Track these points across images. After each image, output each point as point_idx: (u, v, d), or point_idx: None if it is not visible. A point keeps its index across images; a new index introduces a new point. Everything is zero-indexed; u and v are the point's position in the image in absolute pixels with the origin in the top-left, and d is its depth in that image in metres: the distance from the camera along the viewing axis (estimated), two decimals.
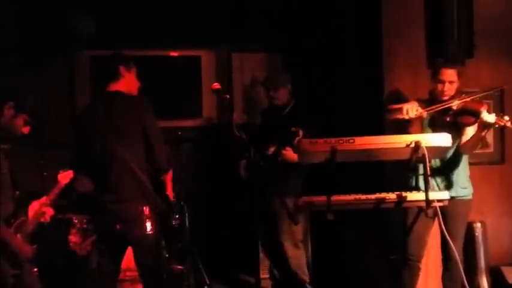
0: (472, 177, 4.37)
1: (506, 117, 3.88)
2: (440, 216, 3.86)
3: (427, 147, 3.69)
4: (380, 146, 3.75)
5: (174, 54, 6.21)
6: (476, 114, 3.94)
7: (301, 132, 4.73)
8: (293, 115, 5.09)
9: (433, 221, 4.18)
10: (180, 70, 6.18)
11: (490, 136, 4.93)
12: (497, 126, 3.92)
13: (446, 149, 3.93)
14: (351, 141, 3.71)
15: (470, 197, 4.31)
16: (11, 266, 3.52)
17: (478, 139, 4.10)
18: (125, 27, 5.77)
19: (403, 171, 4.24)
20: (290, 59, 6.09)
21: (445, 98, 4.17)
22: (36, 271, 3.80)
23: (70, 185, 4.07)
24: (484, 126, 3.96)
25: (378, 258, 4.91)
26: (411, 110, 4.11)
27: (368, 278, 4.98)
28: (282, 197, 4.95)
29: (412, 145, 3.69)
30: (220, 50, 6.24)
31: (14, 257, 3.53)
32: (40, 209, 3.81)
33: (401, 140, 3.74)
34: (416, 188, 4.17)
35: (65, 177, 4.03)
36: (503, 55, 5.08)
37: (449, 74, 4.18)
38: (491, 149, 5.01)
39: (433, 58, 4.86)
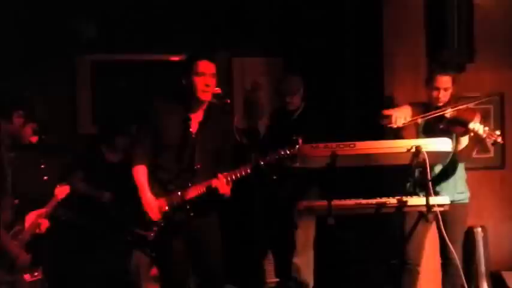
0: (473, 182, 4.37)
1: (498, 132, 3.89)
2: (441, 221, 3.86)
3: (427, 152, 3.69)
4: (380, 151, 3.74)
5: (175, 59, 6.20)
6: (466, 125, 3.93)
7: (300, 141, 4.72)
8: (303, 118, 5.07)
9: (431, 226, 4.18)
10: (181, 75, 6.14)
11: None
12: (488, 140, 3.91)
13: (447, 154, 3.93)
14: (351, 145, 3.71)
15: (467, 201, 4.31)
16: (7, 273, 3.53)
17: (471, 150, 4.12)
18: (125, 32, 5.77)
19: (403, 176, 4.25)
20: (290, 63, 6.08)
21: (440, 104, 4.18)
22: (37, 275, 3.80)
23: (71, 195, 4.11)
24: (475, 138, 3.96)
25: (378, 263, 4.91)
26: (399, 119, 4.11)
27: (368, 282, 4.97)
28: (284, 200, 4.96)
29: (413, 150, 3.69)
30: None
31: (10, 263, 3.53)
32: (36, 220, 3.84)
33: (402, 145, 3.74)
34: (415, 193, 4.17)
35: (61, 191, 4.07)
36: (503, 59, 5.08)
37: (444, 81, 4.19)
38: (491, 154, 5.00)
39: (433, 61, 4.87)
